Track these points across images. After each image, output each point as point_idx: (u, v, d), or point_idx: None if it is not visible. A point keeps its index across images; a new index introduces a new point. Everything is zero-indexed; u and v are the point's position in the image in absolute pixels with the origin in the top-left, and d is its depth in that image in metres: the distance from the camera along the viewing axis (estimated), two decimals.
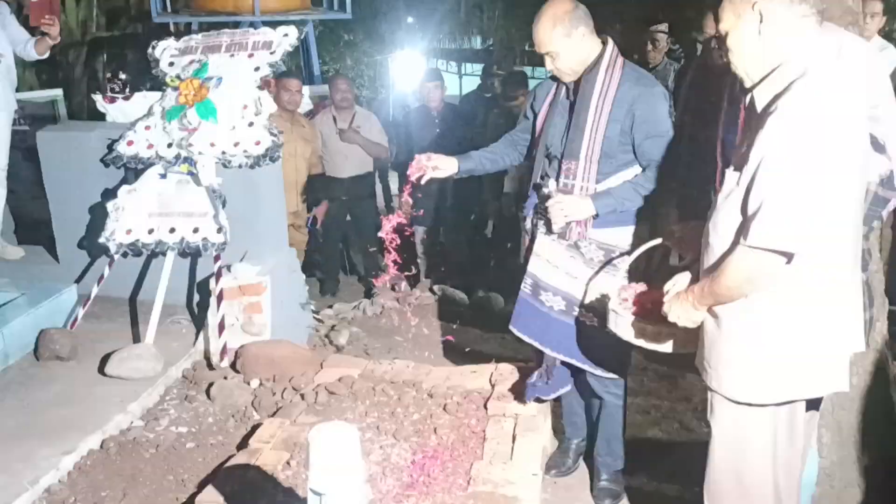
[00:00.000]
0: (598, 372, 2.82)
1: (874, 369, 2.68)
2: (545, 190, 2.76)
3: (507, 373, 3.48)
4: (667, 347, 2.28)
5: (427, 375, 3.55)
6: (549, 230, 2.76)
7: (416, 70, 10.11)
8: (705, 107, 3.54)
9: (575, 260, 2.76)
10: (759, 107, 1.93)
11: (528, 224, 2.93)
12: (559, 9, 2.61)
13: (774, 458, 2.09)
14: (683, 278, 2.19)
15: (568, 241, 2.74)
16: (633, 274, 2.58)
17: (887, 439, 2.77)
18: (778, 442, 2.08)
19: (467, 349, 4.36)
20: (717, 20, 2.01)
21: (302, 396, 3.40)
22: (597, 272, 2.72)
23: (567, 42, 2.61)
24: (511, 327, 2.95)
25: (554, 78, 2.83)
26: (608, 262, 2.72)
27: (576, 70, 2.69)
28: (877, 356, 2.69)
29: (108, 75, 9.29)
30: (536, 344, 2.90)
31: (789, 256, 1.84)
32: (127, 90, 11.93)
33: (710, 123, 3.47)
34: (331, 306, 5.32)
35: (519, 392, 3.23)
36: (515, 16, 10.38)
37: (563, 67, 2.68)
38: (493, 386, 3.39)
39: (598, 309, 2.63)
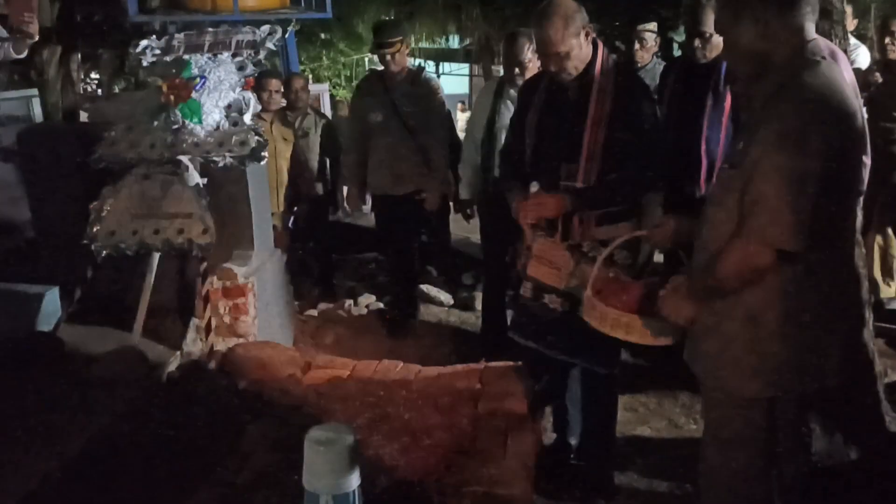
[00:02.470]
0: (596, 368, 2.83)
1: (861, 363, 2.72)
2: (533, 189, 2.76)
3: (497, 372, 3.48)
4: (638, 339, 2.29)
5: (416, 375, 3.54)
6: (552, 233, 2.76)
7: None
8: (689, 105, 3.57)
9: (578, 260, 2.76)
10: (757, 104, 1.94)
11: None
12: (568, 8, 2.61)
13: (767, 453, 2.12)
14: (678, 279, 2.21)
15: (571, 241, 2.75)
16: (618, 268, 2.60)
17: (874, 433, 2.81)
18: (770, 436, 2.10)
19: (455, 348, 4.35)
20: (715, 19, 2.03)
21: (291, 398, 3.38)
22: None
23: (577, 41, 2.62)
24: (510, 334, 2.95)
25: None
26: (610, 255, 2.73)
27: (579, 69, 2.70)
28: (864, 350, 2.73)
29: (82, 75, 9.15)
30: (539, 347, 2.90)
31: (786, 253, 1.86)
32: (100, 90, 11.79)
33: (694, 121, 3.51)
34: (316, 307, 5.30)
35: (509, 392, 3.23)
36: (495, 16, 10.36)
37: (569, 67, 2.67)
38: (482, 385, 3.39)
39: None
